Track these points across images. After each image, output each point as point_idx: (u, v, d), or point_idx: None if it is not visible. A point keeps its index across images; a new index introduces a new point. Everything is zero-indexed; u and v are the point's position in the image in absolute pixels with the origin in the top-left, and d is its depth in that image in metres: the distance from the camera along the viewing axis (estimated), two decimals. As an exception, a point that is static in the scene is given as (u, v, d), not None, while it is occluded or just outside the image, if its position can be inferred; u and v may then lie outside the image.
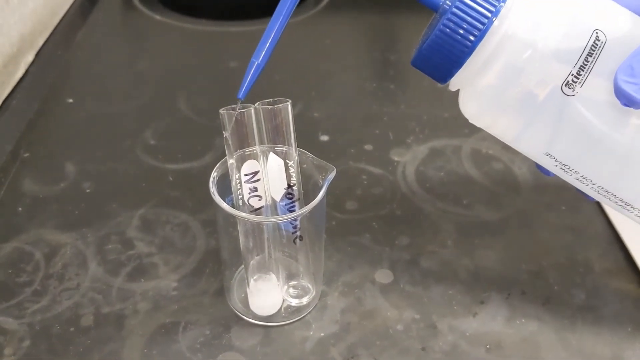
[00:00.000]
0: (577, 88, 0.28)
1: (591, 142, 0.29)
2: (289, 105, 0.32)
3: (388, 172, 0.46)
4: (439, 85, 0.31)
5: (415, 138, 0.49)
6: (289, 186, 0.33)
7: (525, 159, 0.46)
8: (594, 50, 0.27)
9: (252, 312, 0.35)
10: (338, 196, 0.43)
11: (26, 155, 0.47)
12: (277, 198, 0.33)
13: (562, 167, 0.30)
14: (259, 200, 0.33)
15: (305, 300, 0.35)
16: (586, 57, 0.27)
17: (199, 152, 0.47)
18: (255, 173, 0.32)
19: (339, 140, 0.49)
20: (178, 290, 0.37)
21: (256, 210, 0.33)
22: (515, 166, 0.46)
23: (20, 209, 0.42)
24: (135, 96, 0.54)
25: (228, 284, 0.37)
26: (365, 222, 0.41)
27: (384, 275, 0.38)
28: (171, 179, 0.45)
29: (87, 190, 0.44)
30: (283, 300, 0.35)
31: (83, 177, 0.45)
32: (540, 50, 0.27)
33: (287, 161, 0.32)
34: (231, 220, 0.33)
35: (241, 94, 0.31)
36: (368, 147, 0.48)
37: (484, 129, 0.31)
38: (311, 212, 0.32)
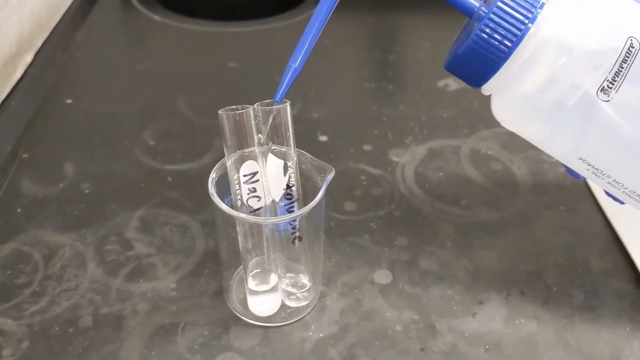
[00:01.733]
0: (612, 94, 0.28)
1: (624, 147, 0.29)
2: (288, 106, 0.32)
3: (387, 173, 0.46)
4: (473, 87, 0.31)
5: (414, 138, 0.49)
6: (288, 187, 0.33)
7: (524, 159, 0.47)
8: (629, 57, 0.28)
9: (251, 313, 0.35)
10: (337, 197, 0.43)
11: (25, 155, 0.47)
12: (277, 199, 0.33)
13: (595, 171, 0.31)
14: (258, 201, 0.33)
15: (304, 302, 0.35)
16: (621, 63, 0.28)
17: (198, 152, 0.47)
18: (254, 174, 0.32)
19: (338, 141, 0.49)
20: (177, 291, 0.37)
21: (255, 211, 0.33)
22: (514, 166, 0.46)
23: (19, 209, 0.42)
24: (134, 97, 0.54)
25: (227, 284, 0.37)
26: (364, 223, 0.41)
27: (383, 276, 0.38)
28: (170, 179, 0.45)
29: (86, 191, 0.44)
30: (282, 302, 0.35)
31: (82, 178, 0.45)
32: (576, 56, 0.28)
33: (286, 162, 0.32)
34: (230, 221, 0.33)
35: (278, 97, 0.32)
36: (367, 147, 0.48)
37: (516, 132, 0.32)
38: (310, 212, 0.32)
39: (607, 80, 0.28)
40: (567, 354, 0.34)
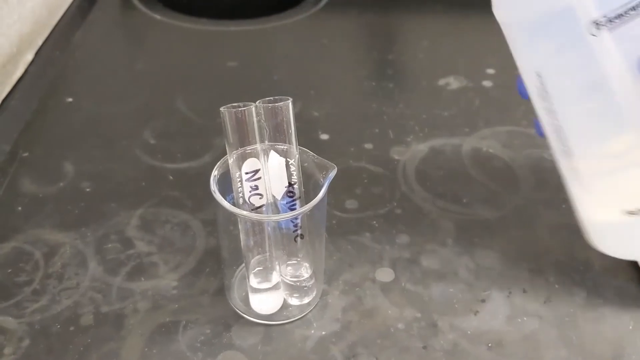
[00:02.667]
0: (603, 33, 0.28)
1: (583, 85, 0.29)
2: (290, 104, 0.32)
3: (388, 171, 0.46)
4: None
5: (415, 137, 0.49)
6: (290, 184, 0.33)
7: (525, 157, 0.47)
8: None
9: (253, 311, 0.35)
10: (338, 195, 0.43)
11: (25, 154, 0.46)
12: (278, 196, 0.33)
13: (543, 92, 0.31)
14: (260, 198, 0.33)
15: (306, 300, 0.35)
16: (630, 9, 0.27)
17: (198, 151, 0.47)
18: (256, 171, 0.32)
19: (338, 139, 0.49)
20: (178, 289, 0.37)
21: (257, 209, 0.33)
22: (515, 164, 0.46)
23: (19, 208, 0.42)
24: (134, 95, 0.54)
25: (228, 282, 0.37)
26: (365, 221, 0.41)
27: (384, 274, 0.37)
28: (171, 178, 0.45)
29: (87, 190, 0.44)
30: (284, 301, 0.35)
31: (82, 177, 0.45)
32: None
33: (288, 159, 0.32)
34: (232, 219, 0.33)
35: None
36: (368, 145, 0.48)
37: (501, 25, 0.32)
38: (312, 210, 0.32)
39: (606, 17, 0.27)
40: (569, 352, 0.34)
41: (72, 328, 0.34)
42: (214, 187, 0.32)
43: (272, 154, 0.32)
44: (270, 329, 0.35)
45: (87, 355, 0.33)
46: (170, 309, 0.35)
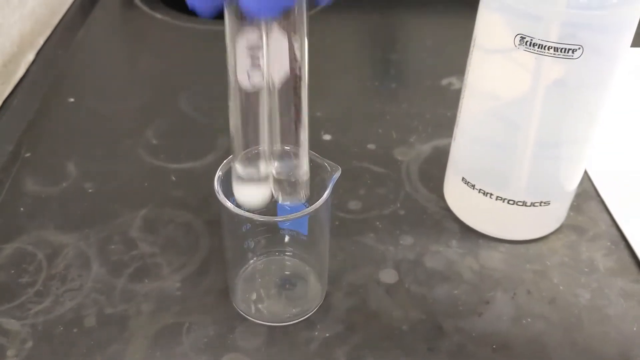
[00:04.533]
0: (522, 49, 0.32)
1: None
2: None
3: (392, 171, 0.45)
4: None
5: (418, 137, 0.49)
6: (295, 74, 0.29)
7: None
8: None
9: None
10: (342, 196, 0.43)
11: (27, 155, 0.46)
12: (277, 82, 0.29)
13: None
14: (259, 75, 0.29)
15: (298, 197, 0.31)
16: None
17: (201, 151, 0.47)
18: (257, 48, 0.28)
19: (341, 140, 0.49)
20: (182, 290, 0.36)
21: (253, 94, 0.29)
22: (518, 165, 0.46)
23: (22, 209, 0.42)
24: (136, 95, 0.54)
25: (232, 283, 0.36)
26: (369, 222, 0.41)
27: (388, 275, 0.37)
28: (174, 178, 0.45)
29: (89, 190, 0.43)
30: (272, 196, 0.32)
31: (85, 177, 0.44)
32: None
33: (293, 36, 0.28)
34: (235, 220, 0.33)
35: None
36: (371, 146, 0.48)
37: None
38: (316, 211, 0.31)
39: (538, 38, 0.32)
40: (574, 354, 0.34)
41: (75, 330, 0.34)
42: (217, 188, 0.32)
43: (275, 30, 0.28)
44: (274, 330, 0.34)
45: (91, 357, 0.33)
46: (174, 310, 0.35)
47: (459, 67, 0.56)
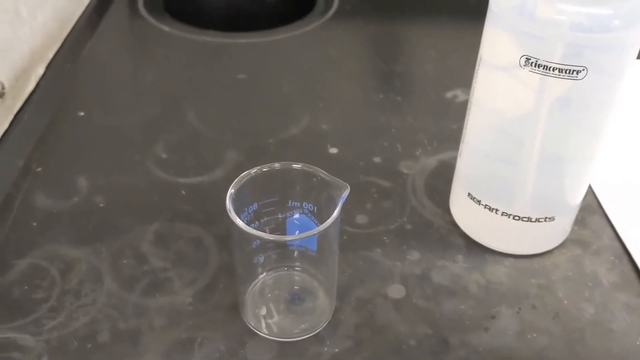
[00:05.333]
0: (527, 69, 0.33)
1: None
2: None
3: (397, 185, 0.46)
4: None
5: (423, 150, 0.50)
6: None
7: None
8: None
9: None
10: (349, 210, 0.43)
11: (38, 169, 0.47)
12: None
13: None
14: None
15: None
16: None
17: (210, 165, 0.48)
18: None
19: (347, 153, 0.49)
20: (193, 305, 0.37)
21: None
22: (523, 179, 0.46)
23: (34, 224, 0.42)
24: (145, 108, 0.54)
25: (242, 298, 0.37)
26: (376, 236, 0.42)
27: (396, 290, 0.38)
28: (183, 192, 0.45)
29: (100, 205, 0.44)
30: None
31: (96, 191, 0.45)
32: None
33: None
34: (245, 236, 0.34)
35: None
36: (377, 159, 0.49)
37: None
38: (326, 229, 0.32)
39: (543, 59, 0.32)
40: (579, 368, 0.34)
41: (89, 345, 0.35)
42: (229, 206, 0.33)
43: None
44: (284, 345, 0.35)
45: (105, 372, 0.33)
46: (185, 325, 0.36)
47: (464, 80, 0.57)
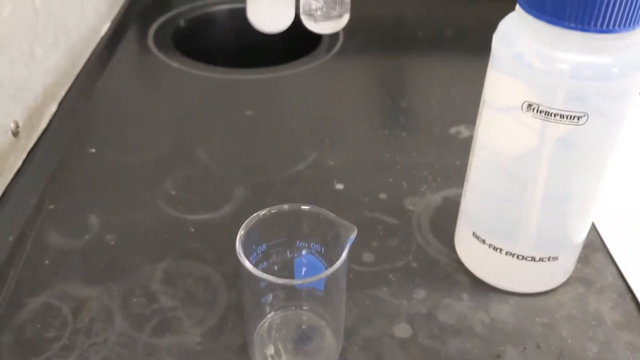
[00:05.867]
0: (530, 114, 0.34)
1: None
2: None
3: (403, 222, 0.47)
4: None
5: (428, 187, 0.50)
6: None
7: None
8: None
9: (252, 22, 0.27)
10: (355, 248, 0.44)
11: (51, 207, 0.48)
12: None
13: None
14: None
15: (335, 23, 0.27)
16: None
17: (218, 202, 0.49)
18: None
19: (353, 189, 0.50)
20: (202, 345, 0.38)
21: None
22: (526, 216, 0.47)
23: (47, 262, 0.43)
24: (155, 145, 0.56)
25: (250, 338, 0.38)
26: (382, 275, 0.42)
27: (402, 330, 0.39)
28: (192, 230, 0.46)
29: (111, 243, 0.45)
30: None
31: (107, 229, 0.46)
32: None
33: None
34: (254, 278, 0.34)
35: None
36: (382, 195, 0.50)
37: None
38: (334, 271, 0.33)
39: (544, 105, 0.33)
40: (584, 409, 0.34)
41: (101, 385, 0.35)
42: (239, 249, 0.33)
43: None
44: (293, 385, 0.36)
45: (116, 413, 0.34)
46: (195, 365, 0.37)
47: (467, 116, 0.58)
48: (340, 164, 0.53)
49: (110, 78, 0.65)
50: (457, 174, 0.52)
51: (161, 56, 0.68)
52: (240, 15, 0.80)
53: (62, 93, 0.60)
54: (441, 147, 0.55)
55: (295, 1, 0.26)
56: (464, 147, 0.55)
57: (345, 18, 0.27)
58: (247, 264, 0.33)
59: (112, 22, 0.73)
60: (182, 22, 0.75)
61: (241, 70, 0.66)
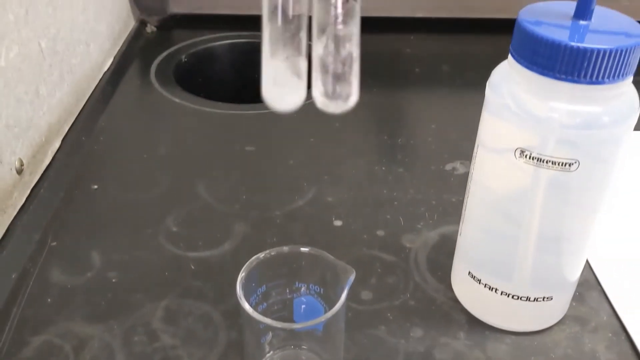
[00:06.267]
0: (522, 160, 0.35)
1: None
2: None
3: (400, 260, 0.48)
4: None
5: (425, 224, 0.51)
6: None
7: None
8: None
9: (265, 101, 0.27)
10: (354, 286, 0.44)
11: (54, 244, 0.49)
12: None
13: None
14: None
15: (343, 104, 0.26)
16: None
17: (219, 239, 0.49)
18: None
19: (352, 226, 0.51)
20: (202, 384, 0.38)
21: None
22: (522, 253, 0.48)
23: (49, 300, 0.44)
24: (156, 181, 0.56)
25: (251, 378, 0.38)
26: (380, 313, 0.43)
27: (400, 369, 0.39)
28: (193, 267, 0.47)
29: (113, 280, 0.46)
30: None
31: (109, 266, 0.47)
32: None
33: None
34: (254, 320, 0.35)
35: None
36: (380, 232, 0.50)
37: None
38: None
39: (536, 152, 0.34)
40: None
41: None
42: (239, 293, 0.34)
43: None
44: None
45: None
46: (195, 405, 0.37)
47: (462, 152, 0.59)
48: (339, 200, 0.54)
49: (113, 114, 0.66)
50: (453, 211, 0.52)
51: (163, 91, 0.69)
52: (241, 49, 0.82)
53: (66, 129, 0.61)
54: (438, 184, 0.56)
55: (307, 80, 0.27)
56: (460, 183, 0.56)
57: (354, 97, 0.27)
58: (247, 307, 0.34)
59: (115, 57, 0.75)
60: (183, 57, 0.77)
61: (241, 105, 0.67)
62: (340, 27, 0.25)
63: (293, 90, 0.26)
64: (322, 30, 0.25)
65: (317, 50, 0.25)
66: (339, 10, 0.25)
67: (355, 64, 0.26)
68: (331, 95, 0.26)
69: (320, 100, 0.26)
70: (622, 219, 0.52)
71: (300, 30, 0.26)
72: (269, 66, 0.26)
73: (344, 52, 0.25)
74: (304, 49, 0.26)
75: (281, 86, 0.26)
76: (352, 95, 0.26)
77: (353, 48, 0.26)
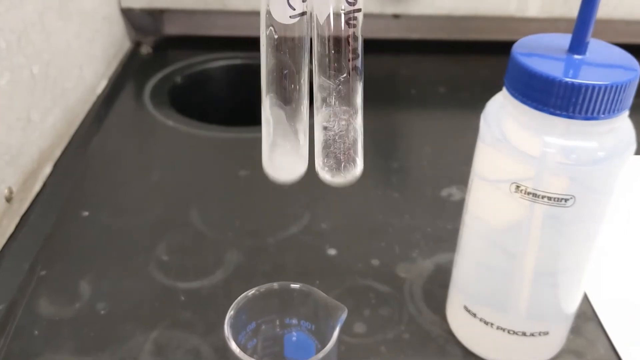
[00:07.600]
0: (518, 195, 0.34)
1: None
2: None
3: (395, 290, 0.47)
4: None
5: (420, 252, 0.51)
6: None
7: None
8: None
9: (267, 173, 0.28)
10: (347, 317, 0.43)
11: (42, 273, 0.48)
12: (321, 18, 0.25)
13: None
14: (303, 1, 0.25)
15: (346, 177, 0.26)
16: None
17: (210, 268, 0.49)
18: None
19: (346, 255, 0.50)
20: (191, 422, 0.37)
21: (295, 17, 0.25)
22: (518, 283, 0.47)
23: (36, 332, 0.43)
24: (148, 207, 0.56)
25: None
26: (373, 347, 0.42)
27: (393, 407, 0.38)
28: (183, 298, 0.46)
29: (102, 312, 0.45)
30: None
31: (98, 297, 0.46)
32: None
33: None
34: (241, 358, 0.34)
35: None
36: (375, 262, 0.50)
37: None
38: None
39: (531, 187, 0.34)
40: None
41: None
42: (228, 333, 0.33)
43: None
44: None
45: None
46: None
47: (459, 177, 0.59)
48: (333, 227, 0.53)
49: (106, 137, 0.65)
50: (448, 239, 0.52)
51: (157, 114, 0.69)
52: (236, 70, 0.82)
53: (58, 153, 0.60)
54: (433, 210, 0.55)
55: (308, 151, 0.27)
56: (455, 210, 0.55)
57: (359, 169, 0.27)
58: (235, 347, 0.33)
59: (110, 79, 0.74)
60: (178, 79, 0.76)
61: (236, 128, 0.67)
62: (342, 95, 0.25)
63: (293, 168, 0.27)
64: (324, 100, 0.25)
65: (320, 128, 0.25)
66: (342, 79, 0.25)
67: (360, 139, 0.25)
68: (336, 171, 0.26)
69: (325, 176, 0.26)
70: (619, 251, 0.51)
71: (300, 109, 0.25)
72: (268, 149, 0.26)
73: (349, 138, 0.25)
74: (305, 134, 0.26)
75: (281, 168, 0.27)
76: (358, 167, 0.26)
77: (357, 121, 0.25)
